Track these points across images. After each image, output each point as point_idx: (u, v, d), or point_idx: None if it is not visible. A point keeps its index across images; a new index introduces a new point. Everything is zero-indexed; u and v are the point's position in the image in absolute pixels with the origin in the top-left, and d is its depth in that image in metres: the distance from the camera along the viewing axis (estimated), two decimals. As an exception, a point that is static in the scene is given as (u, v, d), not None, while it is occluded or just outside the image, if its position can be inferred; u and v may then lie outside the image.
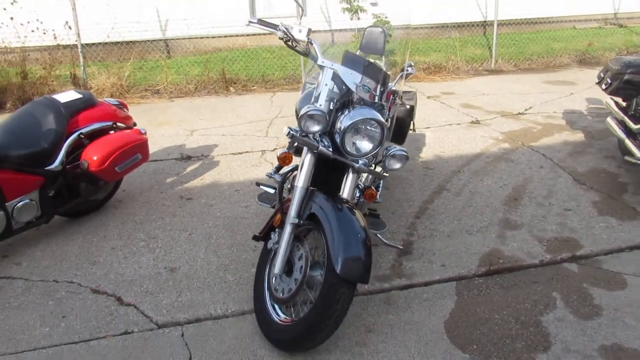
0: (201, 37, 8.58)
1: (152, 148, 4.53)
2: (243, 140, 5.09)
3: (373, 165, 2.56)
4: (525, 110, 5.96)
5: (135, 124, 3.77)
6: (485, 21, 9.50)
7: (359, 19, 7.85)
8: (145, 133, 3.68)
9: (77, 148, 3.30)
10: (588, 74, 7.67)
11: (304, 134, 2.26)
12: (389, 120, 2.81)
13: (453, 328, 2.43)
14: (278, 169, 2.73)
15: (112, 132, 3.51)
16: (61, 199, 3.28)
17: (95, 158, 3.23)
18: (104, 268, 2.94)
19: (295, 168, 2.67)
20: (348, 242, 2.11)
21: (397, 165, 2.41)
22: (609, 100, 4.28)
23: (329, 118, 2.29)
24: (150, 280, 2.82)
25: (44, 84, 6.50)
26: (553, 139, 4.97)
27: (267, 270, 2.44)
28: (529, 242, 3.16)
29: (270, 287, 2.39)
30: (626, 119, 3.91)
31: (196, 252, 3.10)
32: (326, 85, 2.33)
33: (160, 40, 8.46)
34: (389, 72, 2.52)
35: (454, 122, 5.55)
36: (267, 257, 2.47)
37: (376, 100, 2.36)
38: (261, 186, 2.99)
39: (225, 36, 8.59)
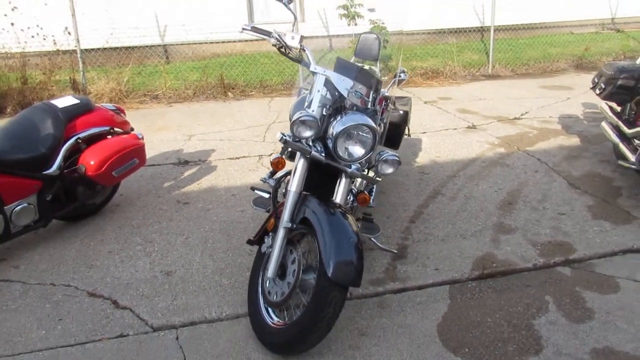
0: (200, 43, 8.63)
1: (150, 153, 4.57)
2: (240, 145, 5.12)
3: (366, 170, 2.59)
4: (522, 115, 5.99)
5: (132, 129, 3.80)
6: (482, 27, 9.53)
7: (356, 24, 7.90)
8: (142, 138, 3.72)
9: (75, 153, 3.34)
10: (585, 79, 7.68)
11: (297, 140, 2.29)
12: (382, 125, 2.84)
13: (445, 331, 2.45)
14: (272, 173, 2.75)
15: (109, 137, 3.55)
16: (59, 203, 3.32)
17: (92, 162, 3.27)
18: (101, 271, 2.97)
19: (289, 173, 2.70)
20: (340, 246, 2.14)
21: (390, 170, 2.44)
22: (603, 105, 4.31)
23: (322, 124, 2.32)
24: (146, 283, 2.85)
25: (44, 89, 6.55)
26: (549, 144, 5.00)
27: (261, 274, 2.47)
28: (522, 246, 3.18)
29: (264, 291, 2.42)
30: (620, 123, 3.94)
31: (192, 256, 3.13)
32: (319, 91, 2.36)
33: (159, 45, 8.51)
34: (382, 79, 2.55)
35: (450, 127, 5.58)
36: (261, 261, 2.50)
37: (368, 106, 2.39)
38: (256, 191, 3.02)
39: (224, 42, 8.63)
